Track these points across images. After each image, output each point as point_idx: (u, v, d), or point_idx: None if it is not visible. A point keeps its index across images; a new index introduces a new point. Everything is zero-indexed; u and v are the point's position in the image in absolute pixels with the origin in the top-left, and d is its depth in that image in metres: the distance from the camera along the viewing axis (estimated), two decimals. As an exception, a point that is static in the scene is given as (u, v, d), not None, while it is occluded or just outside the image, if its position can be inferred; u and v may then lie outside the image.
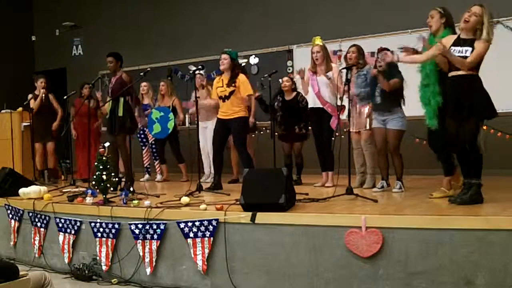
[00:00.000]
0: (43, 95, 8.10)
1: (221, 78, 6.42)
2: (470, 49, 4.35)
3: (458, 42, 4.45)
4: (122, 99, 6.53)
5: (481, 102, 4.36)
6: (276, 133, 6.74)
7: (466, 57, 4.34)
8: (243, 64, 6.09)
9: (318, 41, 6.26)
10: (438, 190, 5.02)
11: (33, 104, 8.09)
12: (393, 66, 5.54)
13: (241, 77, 6.31)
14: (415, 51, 5.02)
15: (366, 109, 5.98)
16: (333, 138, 6.24)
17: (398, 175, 5.60)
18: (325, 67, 6.21)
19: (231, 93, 6.25)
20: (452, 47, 4.44)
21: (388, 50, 5.61)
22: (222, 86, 6.33)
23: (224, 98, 6.31)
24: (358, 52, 6.00)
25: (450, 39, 4.54)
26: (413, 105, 5.62)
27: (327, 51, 6.34)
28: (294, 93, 6.93)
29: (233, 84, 6.25)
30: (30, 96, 8.17)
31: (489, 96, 4.40)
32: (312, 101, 6.30)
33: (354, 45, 6.14)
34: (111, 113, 6.59)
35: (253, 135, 7.72)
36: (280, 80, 7.10)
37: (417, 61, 4.87)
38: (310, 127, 6.76)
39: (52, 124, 8.29)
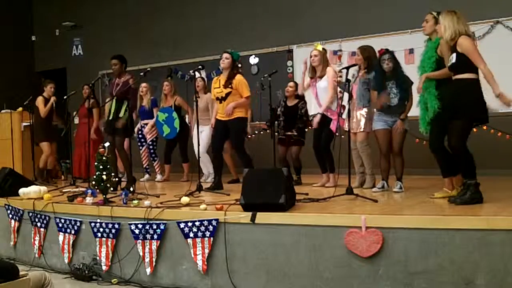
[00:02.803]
0: (54, 102, 8.15)
1: (219, 78, 6.41)
2: (454, 54, 4.43)
3: (451, 52, 4.54)
4: (126, 102, 6.52)
5: (470, 105, 4.37)
6: (276, 133, 6.75)
7: (453, 63, 4.42)
8: (254, 63, 6.05)
9: (318, 47, 6.29)
10: (440, 191, 5.01)
11: (42, 109, 8.12)
12: (399, 67, 5.56)
13: (239, 77, 6.27)
14: None
15: (361, 111, 5.97)
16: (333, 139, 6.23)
17: (399, 175, 5.60)
18: (322, 72, 6.22)
19: (228, 94, 6.23)
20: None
21: (388, 51, 5.63)
22: (219, 87, 6.31)
23: (221, 100, 6.29)
24: (362, 55, 5.92)
25: (447, 50, 4.59)
26: (413, 105, 5.64)
27: (326, 57, 6.35)
28: (296, 100, 6.96)
29: (230, 85, 6.23)
30: (40, 99, 8.19)
31: (483, 101, 4.42)
32: (314, 107, 6.30)
33: (361, 46, 6.09)
34: (112, 114, 6.56)
35: (251, 136, 7.71)
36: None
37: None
38: (310, 127, 6.77)
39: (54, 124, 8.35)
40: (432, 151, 4.91)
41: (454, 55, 4.42)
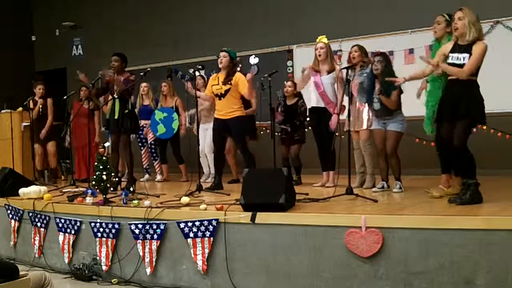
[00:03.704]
0: (41, 106, 8.14)
1: (217, 75, 6.40)
2: (467, 55, 4.40)
3: (455, 49, 4.51)
4: (129, 100, 6.52)
5: (474, 107, 4.39)
6: (276, 133, 6.75)
7: (463, 64, 4.39)
8: (254, 63, 6.01)
9: (324, 39, 6.27)
10: (436, 188, 5.02)
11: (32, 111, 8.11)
12: (390, 71, 5.55)
13: (238, 74, 6.26)
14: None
15: (365, 108, 5.98)
16: (336, 134, 6.21)
17: (396, 175, 5.59)
18: (328, 67, 6.20)
19: (227, 91, 6.22)
20: (450, 54, 4.52)
21: (384, 53, 5.63)
22: (218, 84, 6.30)
23: (220, 96, 6.27)
24: (360, 51, 5.99)
25: (448, 46, 4.59)
26: (413, 106, 5.64)
27: (331, 51, 6.34)
28: (296, 99, 6.96)
29: (229, 82, 6.21)
30: (30, 101, 8.16)
31: (483, 102, 4.44)
32: (315, 101, 6.27)
33: (356, 45, 6.14)
34: (118, 113, 6.53)
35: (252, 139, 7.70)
36: (285, 82, 7.15)
37: (420, 77, 4.91)
38: (309, 127, 6.77)
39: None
40: (437, 149, 4.93)
41: (467, 56, 4.39)
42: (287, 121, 6.95)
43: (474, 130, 4.61)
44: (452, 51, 4.50)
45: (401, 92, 5.54)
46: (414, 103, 5.62)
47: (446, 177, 5.03)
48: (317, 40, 6.29)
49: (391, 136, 5.53)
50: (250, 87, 6.20)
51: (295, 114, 6.91)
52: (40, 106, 8.15)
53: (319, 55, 6.18)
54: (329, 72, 6.18)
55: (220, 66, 6.33)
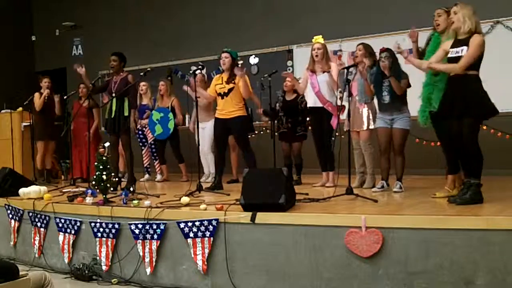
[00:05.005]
0: (46, 95, 8.14)
1: (221, 75, 6.44)
2: (465, 47, 4.39)
3: (455, 44, 4.51)
4: (127, 99, 6.52)
5: (476, 102, 4.36)
6: (276, 133, 6.75)
7: (461, 57, 4.38)
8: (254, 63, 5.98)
9: (320, 39, 6.27)
10: (441, 190, 5.01)
11: (37, 102, 8.10)
12: (396, 64, 5.55)
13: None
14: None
15: (364, 109, 5.98)
16: (333, 138, 6.23)
17: (399, 175, 5.59)
18: (324, 66, 6.20)
19: (230, 90, 6.24)
20: (450, 49, 4.52)
21: (388, 49, 5.63)
22: (222, 83, 6.32)
23: (223, 95, 6.29)
24: (364, 50, 5.97)
25: (449, 43, 4.59)
26: (413, 105, 5.63)
27: (327, 50, 6.34)
28: (295, 94, 6.95)
29: (232, 81, 6.24)
30: (37, 94, 8.17)
31: (487, 96, 4.42)
32: (312, 101, 6.29)
33: (362, 43, 6.13)
34: (114, 113, 6.53)
35: (252, 135, 7.71)
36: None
37: (420, 67, 4.90)
38: (310, 127, 6.77)
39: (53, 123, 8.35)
40: (444, 149, 4.93)
41: (465, 48, 4.38)
42: (286, 117, 6.94)
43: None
44: (452, 46, 4.50)
45: (409, 85, 5.55)
46: (415, 102, 5.61)
47: (453, 178, 5.01)
48: (313, 41, 6.29)
49: (399, 134, 5.53)
50: (245, 85, 6.22)
51: (294, 110, 6.91)
52: (46, 96, 8.14)
53: (316, 56, 6.19)
54: (324, 72, 6.19)
55: (223, 67, 6.35)
